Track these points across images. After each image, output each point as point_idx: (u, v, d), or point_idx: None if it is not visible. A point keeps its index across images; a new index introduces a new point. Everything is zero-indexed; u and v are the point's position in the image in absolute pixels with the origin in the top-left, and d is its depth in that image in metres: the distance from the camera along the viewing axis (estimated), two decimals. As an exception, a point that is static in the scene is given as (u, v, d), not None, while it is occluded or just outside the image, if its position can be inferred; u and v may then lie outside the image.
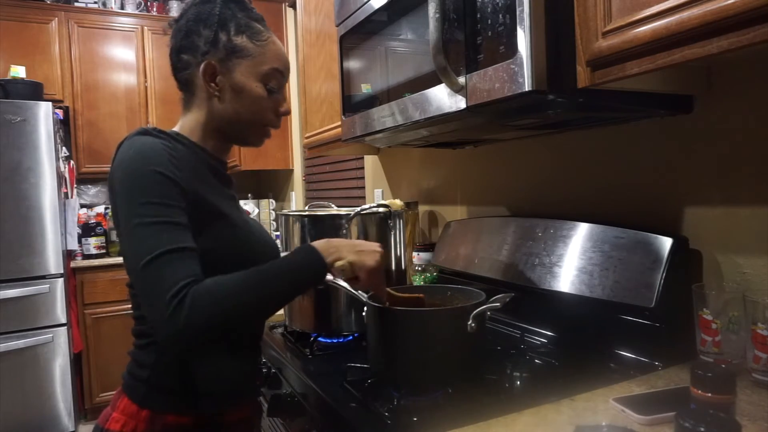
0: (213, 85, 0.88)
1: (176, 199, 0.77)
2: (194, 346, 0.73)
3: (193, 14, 0.88)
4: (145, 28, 3.51)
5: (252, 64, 0.88)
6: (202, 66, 0.87)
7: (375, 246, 0.90)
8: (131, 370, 0.86)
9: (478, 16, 0.89)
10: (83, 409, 3.10)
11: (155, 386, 0.83)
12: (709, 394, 0.67)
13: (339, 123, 1.53)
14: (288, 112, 0.95)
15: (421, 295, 1.06)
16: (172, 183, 0.77)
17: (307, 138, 2.08)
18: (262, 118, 0.92)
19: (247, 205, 3.51)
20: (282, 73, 0.92)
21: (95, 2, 3.52)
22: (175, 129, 0.91)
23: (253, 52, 0.88)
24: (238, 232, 0.88)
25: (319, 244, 0.86)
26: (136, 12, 3.58)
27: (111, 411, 0.85)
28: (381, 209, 1.33)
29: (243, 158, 3.38)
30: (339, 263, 0.85)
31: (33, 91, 2.91)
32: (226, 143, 0.95)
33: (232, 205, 0.93)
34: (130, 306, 0.87)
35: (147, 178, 0.76)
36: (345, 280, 0.91)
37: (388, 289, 0.99)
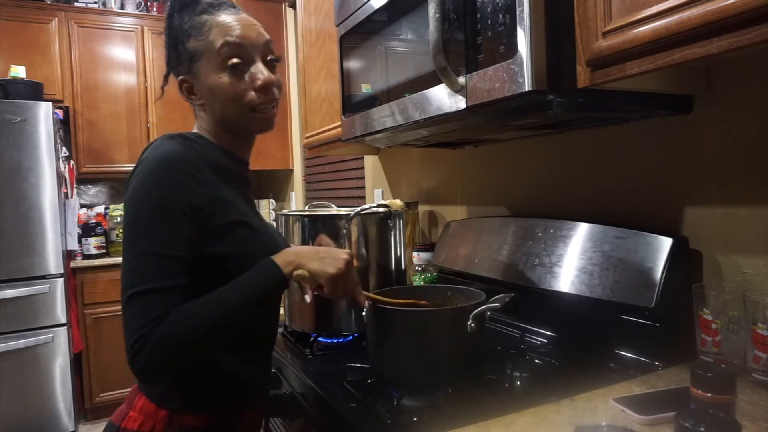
0: (194, 96, 0.89)
1: (180, 224, 0.76)
2: (162, 377, 0.77)
3: (164, 43, 0.91)
4: (145, 28, 3.51)
5: (207, 60, 0.85)
6: (178, 85, 0.89)
7: (342, 253, 0.86)
8: None
9: (478, 16, 0.89)
10: (83, 409, 3.10)
11: (173, 387, 0.83)
12: (709, 394, 0.67)
13: (339, 123, 1.53)
14: (268, 81, 0.86)
15: (423, 302, 1.05)
16: (183, 204, 0.76)
17: (307, 138, 2.08)
18: (242, 102, 0.85)
19: (247, 205, 3.51)
20: (235, 44, 0.84)
21: (95, 2, 3.52)
22: (195, 131, 0.91)
23: (202, 47, 0.85)
24: (259, 236, 0.88)
25: (280, 254, 0.84)
26: (136, 12, 3.58)
27: (127, 409, 0.85)
28: (381, 209, 1.33)
29: (243, 158, 3.37)
30: (297, 272, 0.82)
31: (33, 91, 2.91)
32: (240, 140, 0.93)
33: (252, 210, 0.92)
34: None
35: (155, 198, 0.76)
36: (312, 290, 0.89)
37: (368, 294, 0.97)
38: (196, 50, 0.85)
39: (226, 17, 0.85)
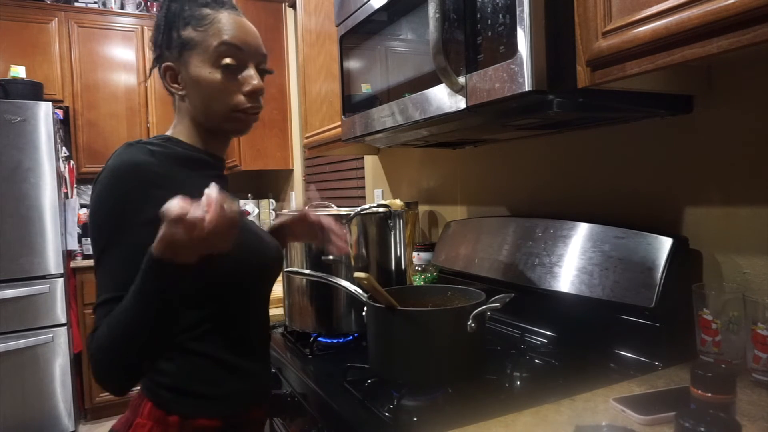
0: (176, 85, 0.87)
1: (137, 235, 0.73)
2: (124, 382, 0.73)
3: (154, 24, 0.89)
4: (145, 28, 3.51)
5: (201, 52, 0.84)
6: (161, 70, 0.87)
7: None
8: (151, 376, 0.84)
9: (478, 16, 0.89)
10: (83, 409, 3.10)
11: (182, 391, 0.82)
12: (709, 394, 0.67)
13: (339, 123, 1.53)
14: (257, 88, 0.86)
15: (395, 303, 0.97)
16: (142, 214, 0.75)
17: (307, 138, 2.08)
18: (228, 103, 0.85)
19: (247, 205, 3.51)
20: (234, 46, 0.84)
21: (95, 2, 3.52)
22: (169, 133, 0.90)
23: (198, 39, 0.84)
24: (247, 236, 0.88)
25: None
26: (136, 12, 3.58)
27: (132, 416, 0.83)
28: (381, 209, 1.33)
29: (243, 158, 3.37)
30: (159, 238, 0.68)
31: (33, 91, 2.92)
32: (216, 138, 0.92)
33: None
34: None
35: (111, 210, 0.76)
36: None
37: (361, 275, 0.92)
38: (192, 40, 0.84)
39: (229, 17, 0.85)
